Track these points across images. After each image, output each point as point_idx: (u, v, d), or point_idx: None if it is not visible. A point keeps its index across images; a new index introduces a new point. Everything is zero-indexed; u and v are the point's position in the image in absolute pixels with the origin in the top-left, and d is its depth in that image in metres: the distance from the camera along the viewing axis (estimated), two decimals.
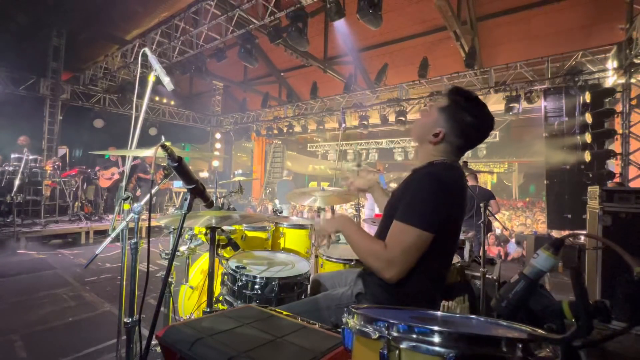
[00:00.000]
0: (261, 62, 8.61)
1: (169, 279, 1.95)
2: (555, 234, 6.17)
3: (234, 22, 6.01)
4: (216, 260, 1.77)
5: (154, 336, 1.05)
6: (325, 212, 2.61)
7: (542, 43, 7.04)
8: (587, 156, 5.47)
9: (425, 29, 7.79)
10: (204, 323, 1.09)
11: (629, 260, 0.71)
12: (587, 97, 5.54)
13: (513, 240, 6.83)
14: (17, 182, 5.69)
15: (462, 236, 2.63)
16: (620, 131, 5.40)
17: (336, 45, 8.55)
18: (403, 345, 0.60)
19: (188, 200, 1.18)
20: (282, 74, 11.05)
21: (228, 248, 1.94)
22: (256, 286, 1.71)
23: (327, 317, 1.31)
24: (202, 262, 2.61)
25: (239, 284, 1.73)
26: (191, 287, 2.44)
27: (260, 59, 8.41)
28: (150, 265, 1.21)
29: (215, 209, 2.04)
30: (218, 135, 12.80)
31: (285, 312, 1.26)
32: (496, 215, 4.37)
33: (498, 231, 7.23)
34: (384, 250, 1.15)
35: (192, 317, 2.28)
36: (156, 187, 1.70)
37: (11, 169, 6.03)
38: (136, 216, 1.41)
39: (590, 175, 5.36)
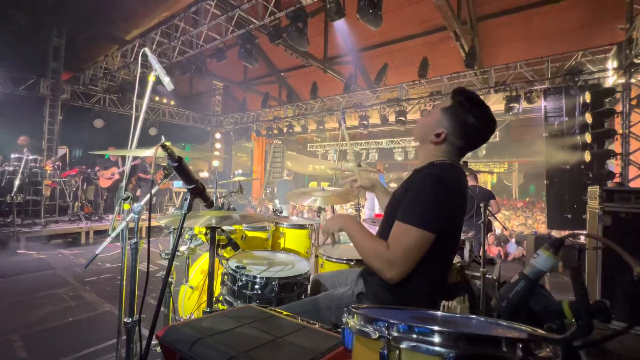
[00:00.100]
0: (261, 62, 8.61)
1: (169, 279, 1.95)
2: (555, 234, 6.17)
3: (234, 22, 6.01)
4: (216, 260, 1.76)
5: (154, 336, 1.05)
6: (325, 212, 2.61)
7: (542, 43, 7.04)
8: (587, 156, 5.47)
9: (425, 29, 7.78)
10: (204, 323, 1.09)
11: (629, 260, 0.71)
12: (587, 97, 5.54)
13: (513, 240, 6.84)
14: (17, 182, 5.69)
15: (462, 236, 2.63)
16: (620, 131, 5.40)
17: (336, 45, 8.55)
18: (403, 345, 0.60)
19: (188, 200, 1.18)
20: (282, 74, 11.05)
21: (228, 248, 1.94)
22: (256, 286, 1.70)
23: (327, 317, 1.31)
24: (202, 262, 2.61)
25: (239, 284, 1.73)
26: (191, 287, 2.44)
27: (260, 59, 8.41)
28: (150, 265, 1.21)
29: (215, 209, 2.05)
30: (218, 135, 12.80)
31: (285, 312, 1.26)
32: (496, 215, 4.38)
33: (498, 231, 7.23)
34: (386, 251, 1.15)
35: (192, 317, 2.28)
36: (156, 187, 1.70)
37: (11, 169, 6.03)
38: (136, 216, 1.41)
39: (590, 175, 5.36)
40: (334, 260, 2.15)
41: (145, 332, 1.45)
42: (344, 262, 2.11)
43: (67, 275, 4.30)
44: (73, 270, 4.55)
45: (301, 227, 2.87)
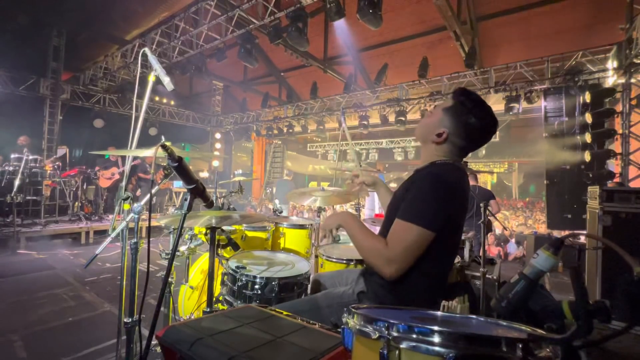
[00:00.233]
0: (261, 62, 8.60)
1: (169, 279, 1.95)
2: (555, 234, 6.17)
3: (234, 22, 6.01)
4: (216, 260, 1.77)
5: (154, 336, 1.05)
6: (325, 212, 2.61)
7: (542, 43, 7.04)
8: (587, 156, 5.47)
9: (425, 29, 7.78)
10: (204, 323, 1.09)
11: (629, 260, 0.71)
12: (587, 97, 5.54)
13: (513, 240, 6.84)
14: (17, 182, 5.69)
15: (462, 236, 2.63)
16: (620, 131, 5.40)
17: (336, 45, 8.55)
18: (403, 345, 0.60)
19: (188, 200, 1.18)
20: (282, 74, 11.05)
21: (228, 248, 1.94)
22: (256, 286, 1.70)
23: (328, 316, 1.31)
24: (202, 262, 2.61)
25: (239, 284, 1.73)
26: (191, 287, 2.44)
27: (260, 59, 8.41)
28: (150, 265, 1.21)
29: (215, 209, 2.05)
30: (218, 135, 12.80)
31: (285, 312, 1.26)
32: (496, 215, 4.38)
33: (498, 231, 7.23)
34: (385, 248, 1.15)
35: (192, 317, 2.28)
36: (156, 187, 1.70)
37: (11, 169, 6.03)
38: (136, 216, 1.41)
39: (590, 175, 5.36)
40: (334, 260, 2.15)
41: (145, 332, 1.45)
42: (344, 262, 2.11)
43: (67, 275, 4.30)
44: (73, 270, 4.55)
45: (301, 227, 2.87)
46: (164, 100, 11.07)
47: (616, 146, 5.59)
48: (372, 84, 8.68)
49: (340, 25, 7.51)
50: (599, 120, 5.47)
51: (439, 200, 1.15)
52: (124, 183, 1.52)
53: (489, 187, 13.94)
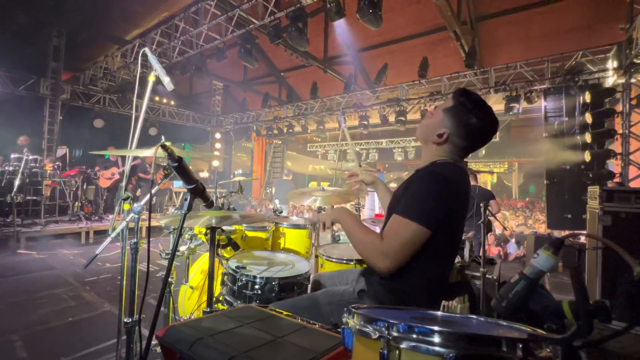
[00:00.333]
0: (261, 62, 8.60)
1: (169, 279, 1.95)
2: (556, 234, 6.17)
3: (234, 22, 6.01)
4: (216, 260, 1.77)
5: (154, 336, 1.05)
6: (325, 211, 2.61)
7: (542, 43, 7.04)
8: (587, 156, 5.47)
9: (425, 29, 7.78)
10: (204, 323, 1.09)
11: (629, 260, 0.71)
12: (587, 97, 5.54)
13: (513, 240, 6.84)
14: (17, 182, 5.69)
15: (462, 236, 2.62)
16: (620, 131, 5.40)
17: (336, 45, 8.55)
18: (403, 345, 0.60)
19: (188, 200, 1.18)
20: (282, 74, 11.05)
21: (228, 248, 1.94)
22: (256, 286, 1.70)
23: (328, 314, 1.31)
24: (202, 262, 2.61)
25: (239, 284, 1.73)
26: (191, 287, 2.44)
27: (260, 59, 8.41)
28: (150, 265, 1.21)
29: (215, 209, 2.05)
30: (218, 135, 12.80)
31: (285, 312, 1.26)
32: (496, 215, 4.38)
33: (498, 231, 7.23)
34: (380, 243, 1.15)
35: (192, 317, 2.28)
36: (156, 187, 1.70)
37: (11, 169, 6.03)
38: (136, 216, 1.41)
39: (590, 175, 5.36)
40: (334, 260, 2.15)
41: (145, 332, 1.45)
42: (344, 262, 2.12)
43: (67, 275, 4.30)
44: (73, 270, 4.55)
45: (301, 227, 2.87)
46: (164, 100, 11.07)
47: (616, 146, 5.59)
48: (372, 84, 8.68)
49: (340, 25, 7.51)
50: (599, 120, 5.47)
51: (438, 198, 1.15)
52: (124, 183, 1.52)
53: (489, 187, 13.94)
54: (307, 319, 1.19)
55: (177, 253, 1.72)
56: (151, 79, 1.50)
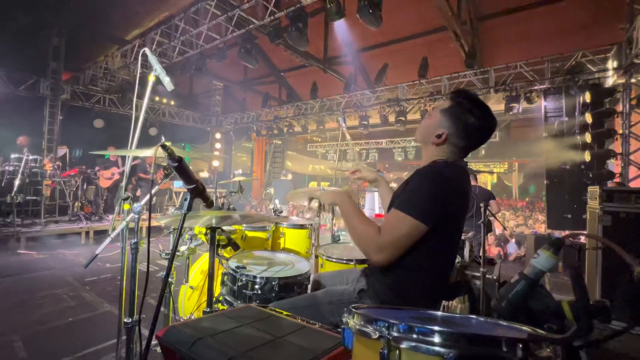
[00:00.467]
0: (261, 62, 8.59)
1: (169, 279, 1.95)
2: (556, 234, 6.17)
3: (234, 22, 6.01)
4: (216, 260, 1.77)
5: (154, 336, 1.05)
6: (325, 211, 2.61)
7: (542, 43, 7.04)
8: (587, 156, 5.47)
9: (425, 29, 7.78)
10: (204, 323, 1.09)
11: (629, 260, 0.71)
12: (587, 97, 5.54)
13: (513, 240, 6.84)
14: (17, 182, 5.69)
15: (462, 236, 2.62)
16: (620, 131, 5.40)
17: (336, 46, 8.54)
18: (403, 345, 0.60)
19: (188, 200, 1.18)
20: (282, 74, 11.05)
21: (228, 248, 1.94)
22: (256, 286, 1.70)
23: (328, 313, 1.31)
24: (202, 262, 2.61)
25: (239, 284, 1.73)
26: (191, 287, 2.44)
27: (260, 59, 8.40)
28: (150, 265, 1.21)
29: (215, 209, 2.05)
30: (218, 135, 12.80)
31: (285, 312, 1.26)
32: (496, 215, 4.37)
33: (498, 231, 7.23)
34: (377, 235, 1.16)
35: (192, 317, 2.28)
36: (156, 187, 1.70)
37: (11, 169, 6.03)
38: (136, 216, 1.41)
39: (590, 175, 5.36)
40: (334, 260, 2.15)
41: (145, 332, 1.45)
42: (344, 262, 2.11)
43: (67, 275, 4.29)
44: (73, 270, 4.55)
45: (301, 227, 2.87)
46: (164, 100, 11.07)
47: (616, 146, 5.59)
48: (372, 84, 8.68)
49: (340, 25, 7.50)
50: (599, 120, 5.47)
51: (436, 194, 1.15)
52: (124, 183, 1.52)
53: (489, 187, 13.94)
54: (307, 318, 1.19)
55: (177, 253, 1.72)
56: (151, 79, 1.50)
